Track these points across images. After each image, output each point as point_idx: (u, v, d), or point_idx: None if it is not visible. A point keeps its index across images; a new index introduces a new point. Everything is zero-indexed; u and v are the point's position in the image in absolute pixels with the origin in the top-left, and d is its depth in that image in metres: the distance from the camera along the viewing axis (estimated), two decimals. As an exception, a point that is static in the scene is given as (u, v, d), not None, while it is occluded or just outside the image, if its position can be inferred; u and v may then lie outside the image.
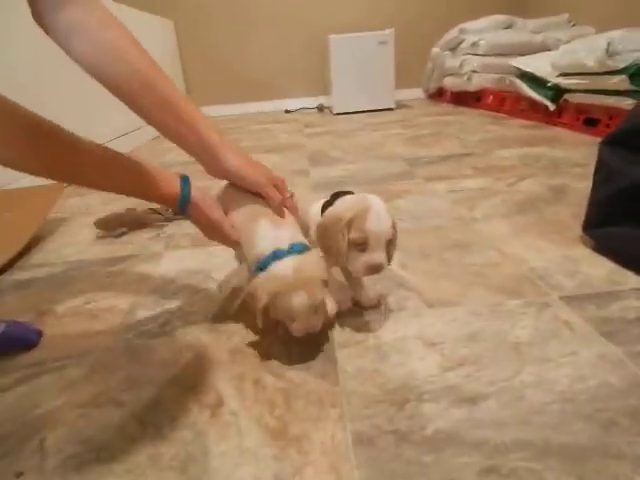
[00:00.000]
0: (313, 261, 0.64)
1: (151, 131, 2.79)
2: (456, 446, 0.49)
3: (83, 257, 1.07)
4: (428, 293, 0.80)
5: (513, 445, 0.48)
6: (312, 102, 3.83)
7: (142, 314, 0.80)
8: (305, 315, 0.61)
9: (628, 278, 0.79)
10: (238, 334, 0.72)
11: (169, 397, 0.59)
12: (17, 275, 1.00)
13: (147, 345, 0.71)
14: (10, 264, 1.03)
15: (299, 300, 0.59)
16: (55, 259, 1.07)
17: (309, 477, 0.47)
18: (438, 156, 1.79)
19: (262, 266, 0.63)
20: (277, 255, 0.62)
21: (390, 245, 0.69)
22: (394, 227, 0.68)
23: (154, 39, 3.20)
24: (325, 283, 0.63)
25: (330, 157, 1.92)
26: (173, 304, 0.82)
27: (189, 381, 0.62)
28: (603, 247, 0.87)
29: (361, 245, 0.64)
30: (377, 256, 0.65)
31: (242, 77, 3.88)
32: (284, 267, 0.61)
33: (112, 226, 1.18)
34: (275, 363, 0.65)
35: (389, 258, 0.70)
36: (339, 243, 0.64)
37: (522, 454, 0.47)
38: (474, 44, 2.98)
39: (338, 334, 0.70)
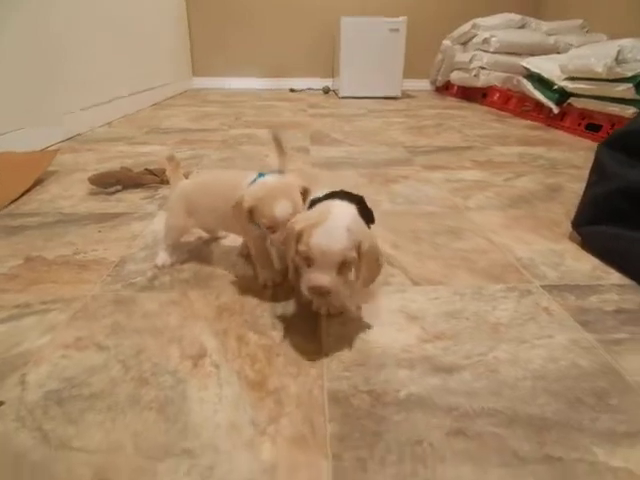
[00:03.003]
0: (294, 179, 0.70)
1: (153, 96, 2.77)
2: (427, 409, 0.51)
3: (75, 210, 1.06)
4: (414, 272, 0.81)
5: (482, 412, 0.50)
6: (318, 84, 3.80)
7: (131, 268, 0.81)
8: (286, 223, 0.63)
9: (610, 274, 0.81)
10: (225, 293, 0.73)
11: (153, 346, 0.60)
12: (7, 222, 0.99)
13: (134, 297, 0.72)
14: None
15: (282, 206, 0.64)
16: (47, 209, 1.06)
17: (284, 426, 0.48)
18: (438, 146, 1.80)
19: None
20: (261, 174, 0.70)
21: (353, 268, 0.59)
22: (358, 249, 0.56)
23: (164, 6, 3.14)
24: (306, 193, 0.69)
25: (331, 138, 1.92)
26: (163, 261, 0.83)
27: (173, 333, 0.63)
28: (589, 244, 0.89)
29: (306, 260, 0.57)
30: (318, 277, 0.55)
31: (250, 52, 3.83)
32: (268, 180, 0.68)
33: (106, 183, 1.18)
34: (260, 322, 0.66)
35: (357, 280, 0.59)
36: (289, 252, 0.61)
37: (489, 420, 0.49)
38: (486, 40, 2.96)
39: (323, 302, 0.72)
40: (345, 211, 0.58)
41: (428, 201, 1.17)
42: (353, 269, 0.58)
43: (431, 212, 1.09)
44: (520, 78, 2.54)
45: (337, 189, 0.67)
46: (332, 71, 3.78)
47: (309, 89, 3.80)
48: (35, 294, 0.72)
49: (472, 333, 0.64)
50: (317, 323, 0.66)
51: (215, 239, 0.92)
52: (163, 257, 0.81)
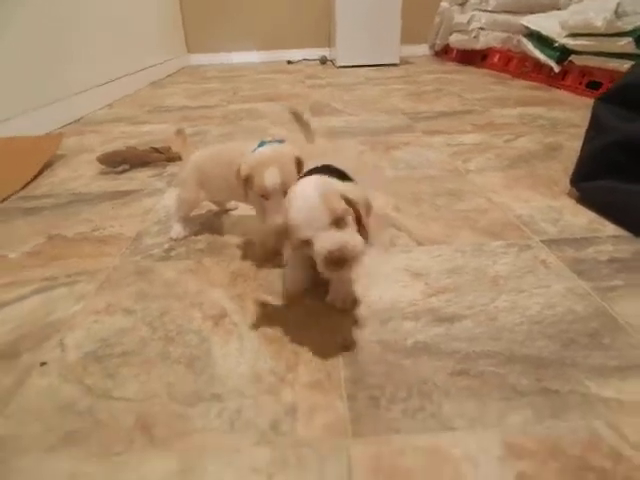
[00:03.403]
0: (289, 149, 0.71)
1: (150, 75, 2.75)
2: (432, 354, 0.55)
3: (87, 190, 1.10)
4: (418, 233, 0.85)
5: (483, 354, 0.55)
6: (315, 54, 3.74)
7: (148, 241, 0.85)
8: (276, 192, 0.66)
9: (606, 227, 0.84)
10: (239, 260, 0.77)
11: (175, 309, 0.65)
12: (23, 204, 1.03)
13: (153, 267, 0.76)
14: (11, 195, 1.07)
15: (270, 175, 0.66)
16: (60, 191, 1.10)
17: (301, 373, 0.53)
18: (438, 112, 1.80)
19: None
20: (261, 143, 0.73)
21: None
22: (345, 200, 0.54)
23: (153, -22, 3.08)
24: (300, 164, 0.70)
25: (331, 108, 1.92)
26: (177, 233, 0.87)
27: (193, 297, 0.68)
28: (586, 198, 0.92)
29: (306, 243, 0.54)
30: (329, 238, 0.51)
31: (244, 26, 3.77)
32: (264, 149, 0.71)
33: (114, 162, 1.21)
34: (273, 286, 0.70)
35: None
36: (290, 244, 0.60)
37: (490, 361, 0.54)
38: (484, 0, 2.90)
39: (332, 264, 0.75)
40: (310, 181, 0.55)
41: (429, 165, 1.19)
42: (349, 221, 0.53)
43: (432, 176, 1.12)
44: (520, 37, 2.50)
45: (325, 163, 0.65)
46: (328, 41, 3.71)
47: (305, 60, 3.74)
48: (60, 268, 0.76)
49: (473, 286, 0.68)
50: (327, 285, 0.70)
51: (225, 211, 0.96)
52: (177, 229, 0.85)
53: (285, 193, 0.61)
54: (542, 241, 0.80)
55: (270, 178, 0.66)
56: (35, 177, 1.18)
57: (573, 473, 0.41)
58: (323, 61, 3.60)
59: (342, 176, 0.60)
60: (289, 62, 3.69)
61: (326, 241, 0.50)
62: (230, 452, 0.44)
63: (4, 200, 1.05)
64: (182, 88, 2.64)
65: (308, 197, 0.52)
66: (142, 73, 2.70)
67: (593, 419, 0.46)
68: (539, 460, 0.42)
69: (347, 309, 0.64)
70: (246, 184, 0.69)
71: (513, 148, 1.31)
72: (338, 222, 0.51)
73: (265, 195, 0.68)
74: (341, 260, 0.49)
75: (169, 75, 3.23)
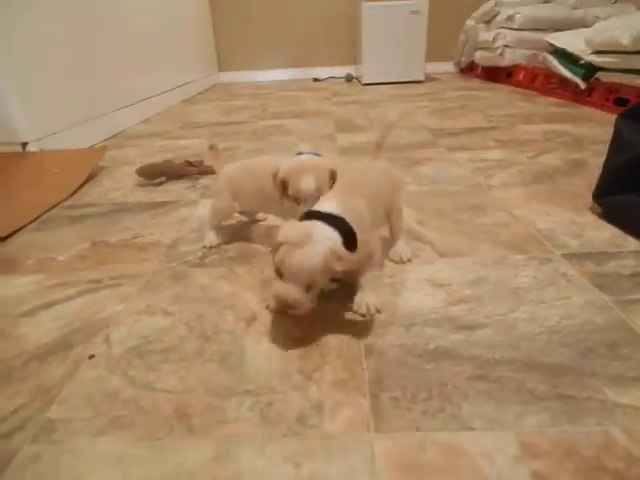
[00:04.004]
0: (326, 161, 0.78)
1: (183, 93, 2.88)
2: (452, 359, 0.58)
3: (128, 200, 1.17)
4: (440, 245, 0.87)
5: (501, 361, 0.57)
6: (341, 72, 3.83)
7: (183, 248, 0.90)
8: (310, 196, 0.72)
9: (628, 242, 0.85)
10: (268, 268, 0.82)
11: (210, 311, 0.70)
12: (70, 212, 1.11)
13: (189, 272, 0.81)
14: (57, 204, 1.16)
15: (306, 180, 0.73)
16: (102, 201, 1.18)
17: (327, 372, 0.56)
18: (462, 128, 1.82)
19: None
20: (298, 153, 0.80)
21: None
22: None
23: (188, 5, 3.24)
24: (333, 176, 0.77)
25: (356, 125, 1.98)
26: (210, 242, 0.92)
27: (226, 301, 0.72)
28: (609, 214, 0.93)
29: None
30: (285, 288, 0.59)
31: (272, 44, 3.90)
32: (302, 157, 0.78)
33: (152, 175, 1.28)
34: (300, 291, 0.74)
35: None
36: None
37: (508, 367, 0.56)
38: (510, 17, 2.93)
39: (357, 273, 0.79)
40: (324, 237, 0.59)
41: (452, 181, 1.22)
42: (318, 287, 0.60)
43: (455, 191, 1.15)
44: (546, 54, 2.51)
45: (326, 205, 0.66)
46: (355, 58, 3.80)
47: (332, 77, 3.83)
48: (104, 272, 0.82)
49: (494, 297, 0.71)
50: (353, 292, 0.74)
51: (254, 221, 1.01)
52: (210, 238, 0.90)
53: (316, 200, 0.68)
54: (563, 255, 0.82)
55: (306, 183, 0.72)
56: (80, 187, 1.27)
57: (587, 473, 0.43)
58: (349, 79, 3.68)
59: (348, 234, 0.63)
60: (315, 80, 3.79)
61: (280, 290, 0.59)
62: (261, 442, 0.47)
63: (52, 208, 1.13)
64: (213, 105, 2.75)
65: (314, 253, 0.58)
66: (176, 91, 2.83)
67: (609, 425, 0.48)
68: (554, 460, 0.44)
69: (368, 318, 0.66)
70: (282, 187, 0.75)
71: (536, 164, 1.33)
72: (309, 287, 0.59)
73: (298, 199, 0.73)
74: (284, 308, 0.60)
75: (200, 92, 3.37)
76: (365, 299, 0.65)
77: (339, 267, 0.58)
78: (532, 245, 0.86)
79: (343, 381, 0.55)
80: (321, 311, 0.68)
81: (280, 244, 0.59)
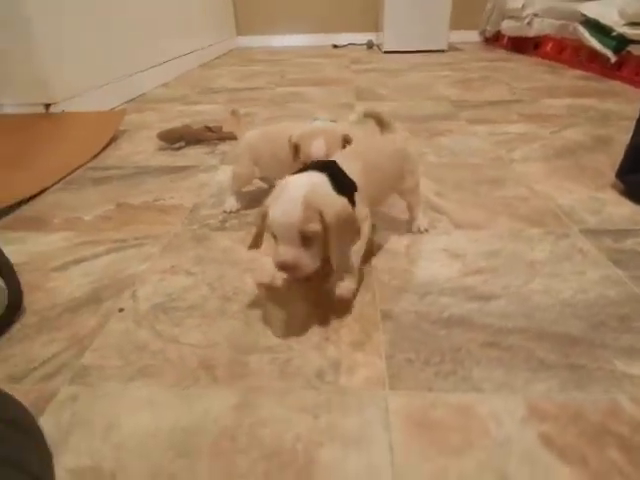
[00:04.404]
0: (340, 127, 0.80)
1: (201, 57, 2.84)
2: (466, 326, 0.60)
3: (149, 164, 1.19)
4: (458, 217, 0.88)
5: (514, 329, 0.59)
6: (361, 38, 3.73)
7: (204, 212, 0.92)
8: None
9: (649, 220, 0.84)
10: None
11: (231, 274, 0.72)
12: (93, 174, 1.13)
13: (209, 235, 0.84)
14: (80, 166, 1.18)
15: (316, 144, 0.75)
16: (124, 164, 1.20)
17: (344, 334, 0.59)
18: (485, 100, 1.79)
19: None
20: (314, 119, 0.84)
21: (318, 240, 0.55)
22: (321, 220, 0.54)
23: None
24: (347, 141, 0.77)
25: (376, 94, 1.95)
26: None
27: (247, 264, 0.75)
28: (631, 191, 0.92)
29: (273, 236, 0.57)
30: (281, 252, 0.55)
31: (292, 8, 3.79)
32: (317, 123, 0.81)
33: (172, 139, 1.29)
34: (319, 257, 0.76)
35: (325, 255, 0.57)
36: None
37: (520, 336, 0.58)
38: (540, -16, 2.79)
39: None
40: (303, 181, 0.56)
41: (472, 153, 1.21)
42: (317, 241, 0.55)
43: (475, 164, 1.14)
44: (576, 25, 2.41)
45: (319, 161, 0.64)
46: (376, 25, 3.68)
47: (352, 44, 3.74)
48: (128, 232, 0.85)
49: (509, 269, 0.72)
50: (368, 258, 0.75)
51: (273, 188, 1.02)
52: (231, 203, 0.92)
53: None
54: (581, 230, 0.82)
55: (316, 147, 0.74)
56: (102, 150, 1.28)
57: (592, 436, 0.45)
58: (370, 46, 3.58)
59: (342, 181, 0.59)
60: (335, 46, 3.70)
61: (278, 255, 0.55)
62: (281, 393, 0.50)
63: (75, 170, 1.15)
64: (230, 70, 2.71)
65: (293, 199, 0.53)
66: (193, 54, 2.79)
67: (617, 393, 0.49)
68: (560, 423, 0.46)
69: (343, 300, 0.63)
70: (294, 151, 0.76)
71: (560, 139, 1.30)
72: (305, 239, 0.54)
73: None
74: (287, 272, 0.57)
75: (217, 57, 3.32)
76: (338, 283, 0.61)
77: (323, 211, 0.53)
78: (550, 220, 0.86)
79: (360, 342, 0.57)
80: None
81: (266, 208, 0.56)
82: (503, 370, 0.53)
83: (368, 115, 0.78)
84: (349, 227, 0.56)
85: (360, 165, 0.64)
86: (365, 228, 0.63)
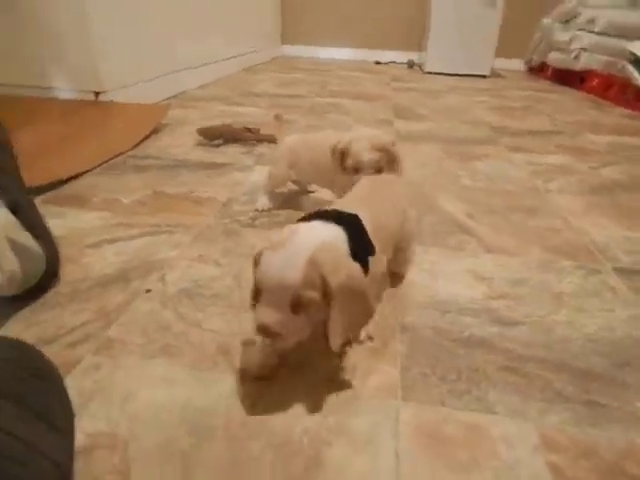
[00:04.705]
0: (386, 135, 0.78)
1: (244, 62, 2.92)
2: (485, 348, 0.59)
3: (187, 157, 1.23)
4: (488, 241, 0.87)
5: (534, 358, 0.58)
6: (403, 57, 3.76)
7: (236, 208, 0.95)
8: (370, 166, 0.74)
9: (685, 266, 0.82)
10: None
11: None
12: (132, 162, 1.18)
13: (240, 231, 0.86)
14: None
15: (368, 149, 0.74)
16: (163, 155, 1.24)
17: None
18: (525, 129, 1.77)
19: None
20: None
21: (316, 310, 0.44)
22: (323, 287, 0.43)
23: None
24: (393, 149, 0.75)
25: (414, 112, 1.96)
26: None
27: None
28: (669, 235, 0.90)
29: (256, 290, 0.47)
30: (264, 313, 0.44)
31: (338, 22, 3.86)
32: (363, 129, 0.81)
33: (212, 136, 1.33)
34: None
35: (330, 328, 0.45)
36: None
37: (539, 365, 0.57)
38: (591, 20, 2.76)
39: (399, 255, 0.81)
40: (314, 234, 0.45)
41: (508, 180, 1.20)
42: (312, 310, 0.44)
43: (510, 191, 1.13)
44: (625, 63, 2.37)
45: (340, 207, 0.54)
46: (419, 45, 3.71)
47: (393, 62, 3.77)
48: (162, 218, 0.88)
49: (535, 298, 0.71)
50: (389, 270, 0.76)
51: (306, 192, 1.04)
52: (263, 202, 0.94)
53: (377, 171, 0.72)
54: (614, 268, 0.80)
55: (367, 152, 0.73)
56: (143, 140, 1.33)
57: (605, 474, 0.44)
58: (411, 65, 3.61)
59: (361, 243, 0.50)
60: (377, 62, 3.74)
61: (259, 316, 0.44)
62: (294, 389, 0.51)
63: (117, 156, 1.20)
64: (272, 76, 2.78)
65: (296, 255, 0.42)
66: (237, 59, 2.87)
67: (635, 435, 0.48)
68: (572, 456, 0.45)
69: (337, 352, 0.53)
70: (341, 158, 0.76)
71: (598, 175, 1.28)
72: (297, 305, 0.42)
73: (358, 169, 0.74)
74: (268, 337, 0.45)
75: (261, 63, 3.40)
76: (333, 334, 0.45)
77: (328, 279, 0.42)
78: (583, 254, 0.84)
79: (377, 351, 0.58)
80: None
81: (259, 254, 0.45)
82: (519, 396, 0.52)
83: (378, 148, 0.73)
84: (358, 304, 0.45)
85: (370, 217, 0.54)
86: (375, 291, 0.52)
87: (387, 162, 0.75)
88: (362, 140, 0.75)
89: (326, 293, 0.43)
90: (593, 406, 0.52)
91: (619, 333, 0.64)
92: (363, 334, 0.59)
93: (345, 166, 0.77)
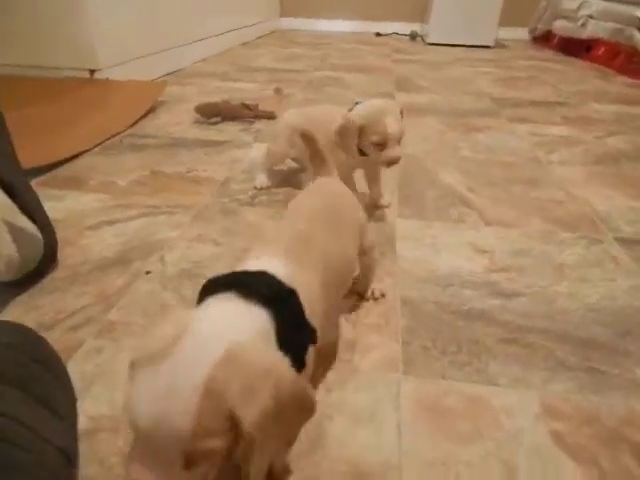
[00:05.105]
0: (393, 101, 0.75)
1: (243, 35, 2.85)
2: (486, 320, 0.59)
3: (184, 136, 1.21)
4: (488, 213, 0.87)
5: (535, 329, 0.58)
6: (405, 28, 3.66)
7: (234, 187, 0.94)
8: (396, 139, 0.71)
9: (690, 234, 0.81)
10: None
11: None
12: (129, 141, 1.16)
13: (238, 210, 0.85)
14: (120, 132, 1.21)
15: (391, 122, 0.70)
16: (161, 133, 1.22)
17: (363, 316, 0.59)
18: (528, 100, 1.73)
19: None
20: (359, 102, 0.76)
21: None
22: (231, 425, 0.24)
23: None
24: (402, 114, 0.74)
25: (416, 85, 1.91)
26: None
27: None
28: (674, 204, 0.88)
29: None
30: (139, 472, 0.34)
31: (338, -8, 3.74)
32: (373, 101, 0.74)
33: (209, 113, 1.31)
34: (344, 240, 0.76)
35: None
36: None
37: (541, 336, 0.57)
38: (599, -16, 2.67)
39: (399, 229, 0.80)
40: (218, 335, 0.28)
41: (509, 152, 1.18)
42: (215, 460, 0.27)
43: (511, 162, 1.11)
44: (633, 30, 2.30)
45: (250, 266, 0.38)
46: (421, 15, 3.61)
47: (395, 34, 3.67)
48: (161, 199, 0.87)
49: (536, 269, 0.70)
50: (393, 245, 0.75)
51: (304, 170, 1.03)
52: (262, 180, 0.93)
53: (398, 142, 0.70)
54: (615, 238, 0.79)
55: (392, 124, 0.70)
56: (140, 119, 1.31)
57: (606, 440, 0.44)
58: (413, 36, 3.51)
59: (296, 330, 0.33)
60: (378, 34, 3.64)
61: (129, 476, 0.26)
62: (296, 365, 0.51)
63: (114, 136, 1.19)
64: (271, 50, 2.71)
65: (183, 387, 0.25)
66: (235, 32, 2.80)
67: (635, 402, 0.48)
68: (574, 423, 0.46)
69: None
70: (360, 134, 0.72)
71: (603, 145, 1.26)
72: (191, 461, 0.26)
73: (384, 143, 0.72)
74: None
75: (259, 37, 3.32)
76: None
77: (239, 414, 0.26)
78: (585, 225, 0.84)
79: (378, 326, 0.58)
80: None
81: (132, 364, 0.28)
82: (520, 367, 0.53)
83: (305, 139, 0.57)
84: (291, 418, 0.29)
85: (318, 276, 0.39)
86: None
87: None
88: (381, 111, 0.71)
89: (237, 433, 0.26)
90: (595, 373, 0.52)
91: (620, 302, 0.63)
92: (373, 291, 0.61)
93: (366, 144, 0.73)
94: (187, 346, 0.27)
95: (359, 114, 0.73)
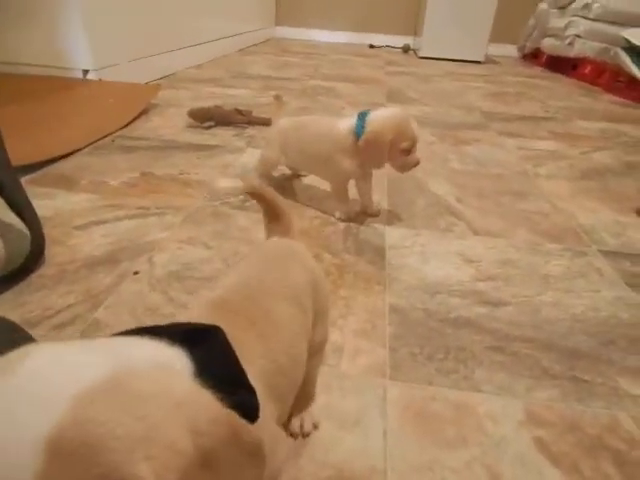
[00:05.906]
0: (398, 108, 0.77)
1: (237, 43, 2.87)
2: (473, 328, 0.60)
3: (176, 139, 1.21)
4: (476, 224, 0.88)
5: (521, 338, 0.59)
6: (398, 41, 3.71)
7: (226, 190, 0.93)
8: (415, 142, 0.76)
9: (671, 249, 0.83)
10: (304, 220, 0.84)
11: (246, 252, 0.73)
12: (121, 142, 1.16)
13: (229, 213, 0.85)
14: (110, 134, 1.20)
15: (415, 126, 0.75)
16: (152, 136, 1.22)
17: (351, 322, 0.59)
18: (516, 115, 1.77)
19: (358, 128, 0.75)
20: (364, 112, 0.76)
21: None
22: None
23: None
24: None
25: (407, 96, 1.94)
26: (252, 188, 0.95)
27: (262, 244, 0.76)
28: (656, 219, 0.91)
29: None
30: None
31: (332, 4, 3.79)
32: (385, 110, 0.76)
33: (202, 118, 1.31)
34: (333, 246, 0.77)
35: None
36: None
37: (527, 345, 0.58)
38: (586, 6, 2.74)
39: (389, 238, 0.81)
40: (71, 367, 0.17)
41: (497, 164, 1.20)
42: None
43: (499, 174, 1.13)
44: (618, 50, 2.36)
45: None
46: (414, 29, 3.67)
47: (388, 46, 3.72)
48: (152, 200, 0.87)
49: (522, 279, 0.71)
50: (382, 253, 0.76)
51: (297, 177, 1.03)
52: None
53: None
54: (600, 250, 0.81)
55: (417, 130, 0.75)
56: (133, 120, 1.31)
57: (588, 448, 0.45)
58: (406, 49, 3.57)
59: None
60: (371, 46, 3.69)
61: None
62: (284, 369, 0.51)
63: (105, 137, 1.18)
64: (266, 58, 2.73)
65: (19, 439, 0.14)
66: (230, 39, 2.81)
67: (617, 410, 0.49)
68: (557, 431, 0.46)
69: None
70: (391, 146, 0.74)
71: (589, 160, 1.29)
72: None
73: (411, 149, 0.76)
74: None
75: (254, 44, 3.34)
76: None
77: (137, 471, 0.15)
78: (570, 237, 0.85)
79: (365, 331, 0.58)
80: (348, 266, 0.71)
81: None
82: (505, 374, 0.53)
83: (253, 195, 0.48)
84: (234, 464, 0.20)
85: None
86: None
87: None
88: (404, 119, 0.74)
89: None
90: (578, 382, 0.53)
91: (604, 313, 0.64)
92: (303, 422, 0.44)
93: (395, 152, 0.75)
94: (23, 381, 0.16)
95: (385, 126, 0.74)
